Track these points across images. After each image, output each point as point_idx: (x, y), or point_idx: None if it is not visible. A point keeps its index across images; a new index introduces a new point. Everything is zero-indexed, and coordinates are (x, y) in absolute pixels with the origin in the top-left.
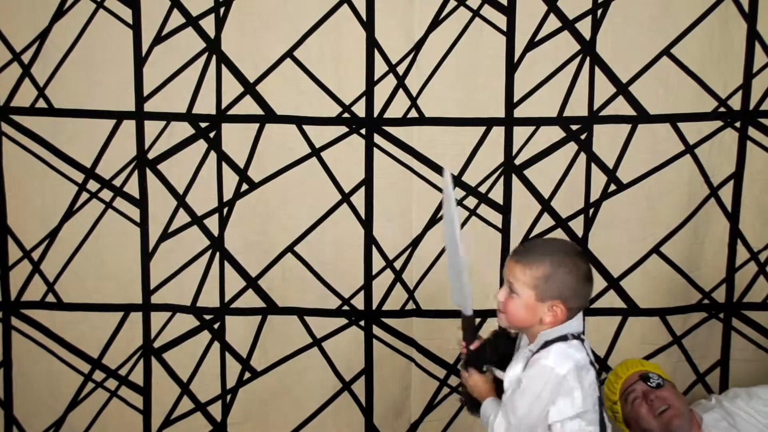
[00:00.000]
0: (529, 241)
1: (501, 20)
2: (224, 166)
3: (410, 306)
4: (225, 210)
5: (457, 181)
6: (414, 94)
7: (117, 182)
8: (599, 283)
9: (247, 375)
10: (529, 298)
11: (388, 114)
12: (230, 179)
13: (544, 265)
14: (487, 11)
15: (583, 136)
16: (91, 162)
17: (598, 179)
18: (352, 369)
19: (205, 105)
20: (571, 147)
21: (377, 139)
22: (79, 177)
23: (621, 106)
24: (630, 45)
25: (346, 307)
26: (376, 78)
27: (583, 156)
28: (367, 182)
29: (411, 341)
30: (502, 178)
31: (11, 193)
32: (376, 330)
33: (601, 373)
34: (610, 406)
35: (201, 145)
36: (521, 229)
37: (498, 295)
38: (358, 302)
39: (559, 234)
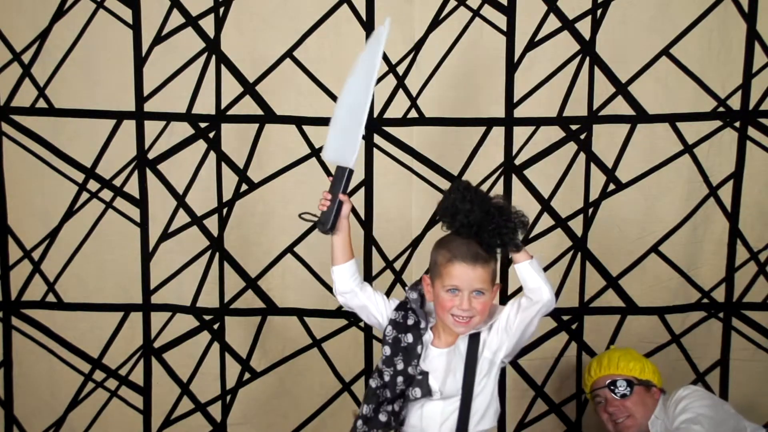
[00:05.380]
0: (457, 241)
1: (501, 20)
2: (224, 166)
3: None
4: (225, 210)
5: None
6: (414, 94)
7: (117, 182)
8: (598, 282)
9: (246, 375)
10: (490, 290)
11: (388, 114)
12: (230, 179)
13: (493, 255)
14: (487, 11)
15: (582, 136)
16: (91, 162)
17: (598, 179)
18: (352, 370)
19: (205, 105)
20: (571, 147)
21: (377, 139)
22: (80, 177)
23: (620, 106)
24: (629, 45)
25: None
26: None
27: (582, 156)
28: (367, 182)
29: None
30: (502, 178)
31: (11, 193)
32: (376, 331)
33: None
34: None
35: (200, 146)
36: None
37: (473, 305)
38: None
39: (558, 234)
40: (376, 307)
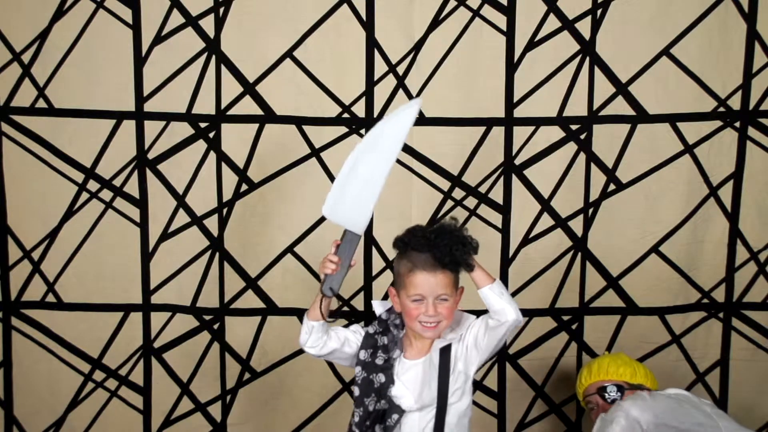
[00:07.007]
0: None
1: (501, 20)
2: (224, 166)
3: None
4: (224, 210)
5: (457, 181)
6: (414, 94)
7: (117, 182)
8: (599, 282)
9: (246, 375)
10: (454, 295)
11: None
12: (230, 179)
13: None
14: (487, 11)
15: (582, 136)
16: (91, 162)
17: (598, 179)
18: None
19: (205, 105)
20: (571, 147)
21: None
22: (79, 177)
23: (620, 106)
24: (630, 45)
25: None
26: (376, 78)
27: (582, 156)
28: None
29: None
30: (502, 178)
31: (11, 193)
32: None
33: None
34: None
35: (200, 146)
36: (521, 229)
37: (439, 311)
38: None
39: (558, 234)
40: (346, 342)
